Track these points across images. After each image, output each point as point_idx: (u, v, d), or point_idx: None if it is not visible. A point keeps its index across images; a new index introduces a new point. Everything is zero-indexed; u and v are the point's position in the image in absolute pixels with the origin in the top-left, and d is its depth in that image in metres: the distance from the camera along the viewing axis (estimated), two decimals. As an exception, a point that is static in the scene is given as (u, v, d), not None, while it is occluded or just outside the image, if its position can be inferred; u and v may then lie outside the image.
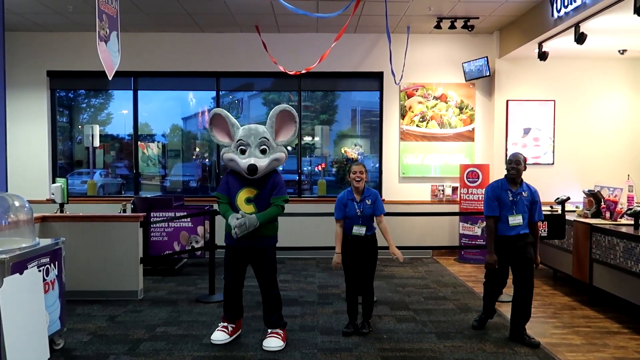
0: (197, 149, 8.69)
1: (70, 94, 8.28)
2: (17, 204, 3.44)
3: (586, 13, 5.13)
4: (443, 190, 7.51)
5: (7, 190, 4.21)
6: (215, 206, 5.07)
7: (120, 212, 6.27)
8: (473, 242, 7.04)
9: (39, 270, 3.37)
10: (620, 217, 5.08)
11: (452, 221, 7.47)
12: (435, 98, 7.51)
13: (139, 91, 7.74)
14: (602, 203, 5.29)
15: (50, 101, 7.66)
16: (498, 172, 7.15)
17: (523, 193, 3.95)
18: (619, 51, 6.73)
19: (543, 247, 5.61)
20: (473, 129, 7.52)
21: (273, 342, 3.78)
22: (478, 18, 6.71)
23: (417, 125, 7.52)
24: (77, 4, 6.19)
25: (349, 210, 4.03)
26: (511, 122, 7.30)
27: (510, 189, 3.95)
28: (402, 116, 7.53)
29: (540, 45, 6.35)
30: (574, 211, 5.87)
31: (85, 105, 8.52)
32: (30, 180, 7.41)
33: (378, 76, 7.57)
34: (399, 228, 6.73)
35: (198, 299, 5.12)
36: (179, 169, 8.60)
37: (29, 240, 3.42)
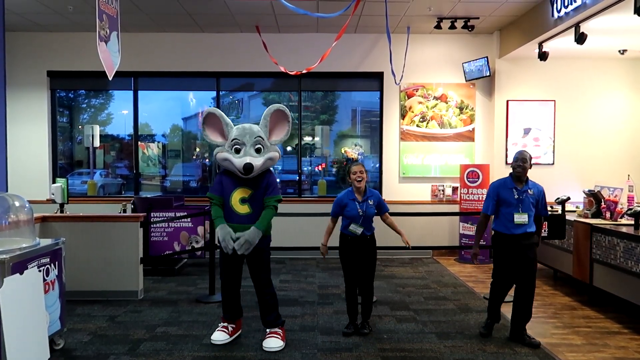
0: (197, 149, 8.69)
1: (70, 94, 8.28)
2: (17, 204, 3.44)
3: (586, 13, 5.13)
4: (443, 191, 7.51)
5: (7, 191, 4.21)
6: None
7: (120, 212, 6.27)
8: (473, 242, 7.03)
9: (39, 271, 3.37)
10: (621, 217, 5.07)
11: (452, 221, 7.47)
12: (436, 98, 7.51)
13: (139, 91, 7.75)
14: (603, 203, 5.29)
15: (50, 101, 7.66)
16: (498, 172, 7.15)
17: (529, 191, 3.91)
18: (619, 51, 6.73)
19: (543, 247, 5.60)
20: (473, 129, 7.52)
21: (273, 343, 3.78)
22: (478, 18, 6.71)
23: (417, 126, 7.52)
24: (77, 4, 6.19)
25: (350, 210, 4.01)
26: (511, 122, 7.30)
27: (516, 187, 3.92)
28: (402, 116, 7.53)
29: (540, 45, 6.35)
30: (574, 211, 5.87)
31: (85, 105, 8.52)
32: (30, 180, 7.41)
33: (378, 76, 7.57)
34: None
35: (198, 299, 5.12)
36: (179, 169, 8.60)
37: (29, 241, 3.42)
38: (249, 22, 6.94)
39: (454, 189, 7.46)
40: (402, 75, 7.17)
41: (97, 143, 7.92)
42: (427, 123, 7.51)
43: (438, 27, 6.87)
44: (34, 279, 3.27)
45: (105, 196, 8.01)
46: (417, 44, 7.41)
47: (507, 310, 4.67)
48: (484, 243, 7.08)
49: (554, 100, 7.29)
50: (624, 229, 4.55)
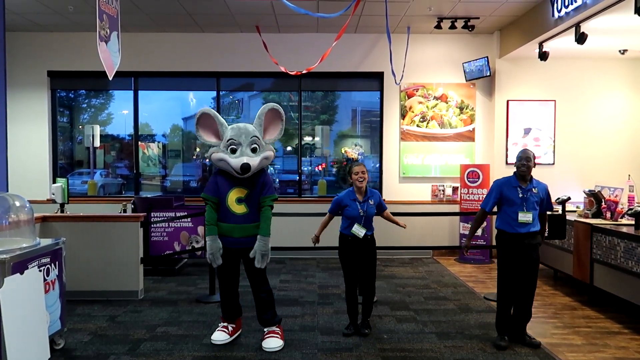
0: (198, 149, 8.68)
1: (70, 94, 8.28)
2: (17, 204, 3.44)
3: (587, 13, 5.12)
4: (443, 190, 7.50)
5: (7, 190, 4.21)
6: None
7: (120, 212, 6.27)
8: (473, 242, 7.02)
9: (40, 270, 3.37)
10: (621, 217, 5.07)
11: (453, 221, 7.47)
12: (436, 98, 7.51)
13: (139, 91, 7.75)
14: (603, 203, 5.28)
15: (50, 101, 7.67)
16: (498, 172, 7.14)
17: (533, 190, 3.88)
18: (620, 51, 6.73)
19: (544, 247, 5.59)
20: (473, 129, 7.52)
21: (273, 343, 3.78)
22: (478, 18, 6.70)
23: (418, 126, 7.52)
24: (77, 4, 6.19)
25: (351, 210, 4.00)
26: (511, 122, 7.29)
27: (520, 185, 3.88)
28: (403, 116, 7.53)
29: (540, 45, 6.35)
30: (575, 211, 5.87)
31: (85, 105, 8.52)
32: (30, 180, 7.41)
33: (378, 76, 7.57)
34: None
35: (198, 299, 5.12)
36: (179, 169, 8.60)
37: (30, 240, 3.42)
38: (249, 22, 6.94)
39: (454, 189, 7.46)
40: (402, 75, 7.17)
41: (97, 143, 7.92)
42: (428, 123, 7.51)
43: (438, 27, 6.87)
44: (34, 279, 3.27)
45: (105, 196, 8.02)
46: (417, 44, 7.41)
47: (507, 310, 4.68)
48: (484, 243, 7.10)
49: (554, 100, 7.29)
50: (624, 229, 4.55)
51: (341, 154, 8.31)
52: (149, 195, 7.59)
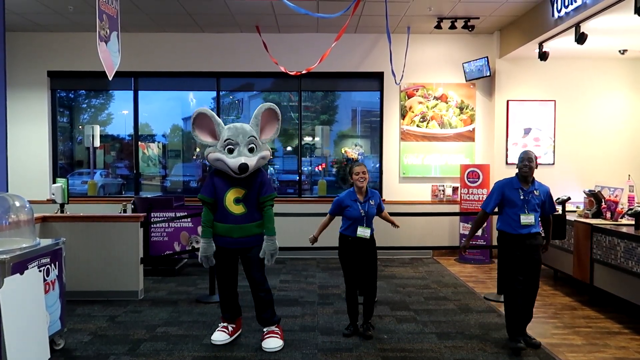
0: (198, 149, 8.68)
1: (70, 94, 8.28)
2: (17, 204, 3.44)
3: (587, 13, 5.12)
4: (443, 191, 7.50)
5: (7, 191, 4.21)
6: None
7: (120, 213, 6.27)
8: (474, 242, 7.03)
9: (40, 271, 3.37)
10: (621, 217, 5.07)
11: (453, 221, 7.47)
12: (436, 98, 7.51)
13: (139, 91, 7.75)
14: (603, 203, 5.28)
15: (50, 101, 7.67)
16: (498, 172, 7.15)
17: (535, 192, 3.87)
18: (620, 51, 6.73)
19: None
20: (473, 129, 7.52)
21: (273, 343, 3.78)
22: (478, 18, 6.70)
23: (418, 126, 7.52)
24: (77, 4, 6.19)
25: (352, 211, 3.99)
26: (511, 122, 7.29)
27: (522, 187, 3.87)
28: (403, 116, 7.53)
29: (540, 45, 6.35)
30: (575, 211, 5.87)
31: (85, 105, 8.52)
32: (30, 180, 7.41)
33: (378, 76, 7.57)
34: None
35: (198, 299, 5.12)
36: (179, 169, 8.60)
37: (30, 241, 3.41)
38: (249, 22, 6.94)
39: (454, 189, 7.46)
40: (402, 75, 7.17)
41: (97, 143, 7.92)
42: (428, 123, 7.51)
43: (438, 27, 6.87)
44: (34, 279, 3.27)
45: (105, 196, 8.01)
46: (417, 44, 7.41)
47: (507, 310, 4.68)
48: (484, 243, 7.10)
49: (554, 100, 7.29)
50: (624, 229, 4.55)
51: (341, 154, 8.31)
52: (149, 196, 7.59)
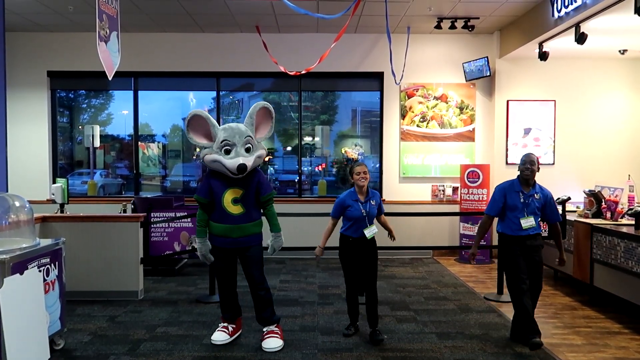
0: (198, 150, 8.68)
1: (70, 94, 8.28)
2: (17, 204, 3.43)
3: (587, 13, 5.12)
4: (443, 191, 7.50)
5: (7, 191, 4.21)
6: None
7: (120, 213, 6.27)
8: (473, 242, 7.03)
9: (40, 271, 3.37)
10: (621, 217, 5.07)
11: (453, 221, 7.47)
12: (436, 98, 7.51)
13: (139, 91, 7.75)
14: (603, 203, 5.28)
15: (50, 101, 7.66)
16: (498, 172, 7.15)
17: (535, 195, 3.87)
18: (620, 51, 6.73)
19: (544, 248, 5.59)
20: (473, 129, 7.52)
21: (273, 343, 3.78)
22: (478, 18, 6.70)
23: (418, 126, 7.52)
24: (77, 4, 6.19)
25: (353, 211, 3.96)
26: (512, 122, 7.29)
27: (523, 190, 3.87)
28: (403, 116, 7.53)
29: (540, 45, 6.35)
30: (575, 211, 5.87)
31: (85, 105, 8.52)
32: (30, 180, 7.41)
33: (378, 76, 7.57)
34: (399, 228, 6.68)
35: (198, 299, 5.12)
36: (179, 169, 8.60)
37: (30, 241, 3.41)
38: (249, 22, 6.94)
39: (454, 189, 7.46)
40: (402, 75, 7.17)
41: (97, 143, 7.92)
42: (428, 123, 7.51)
43: (438, 27, 6.87)
44: (34, 279, 3.27)
45: (105, 196, 8.01)
46: (417, 44, 7.41)
47: (506, 310, 4.68)
48: (484, 243, 7.10)
49: (554, 100, 7.29)
50: (624, 229, 4.55)
51: (341, 154, 8.30)
52: (149, 196, 7.59)
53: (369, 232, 3.96)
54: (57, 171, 7.77)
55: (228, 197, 3.73)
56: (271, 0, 5.92)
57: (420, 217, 7.21)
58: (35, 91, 7.53)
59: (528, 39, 6.36)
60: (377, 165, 7.82)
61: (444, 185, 7.51)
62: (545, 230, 4.87)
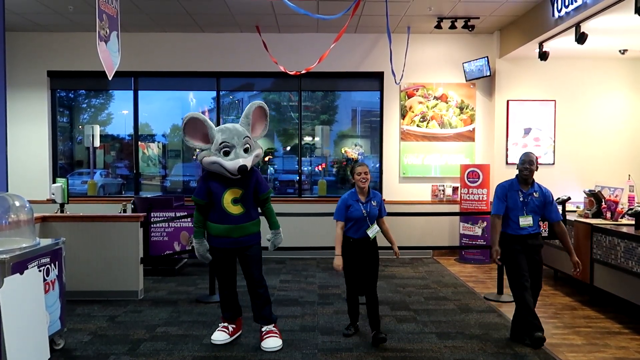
0: (197, 150, 8.69)
1: (70, 94, 8.28)
2: (17, 204, 3.43)
3: (587, 13, 5.12)
4: (443, 190, 7.50)
5: (7, 190, 4.21)
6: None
7: (120, 212, 6.27)
8: (473, 242, 7.04)
9: (40, 271, 3.37)
10: (621, 217, 5.07)
11: (453, 221, 7.46)
12: (436, 98, 7.51)
13: (139, 91, 7.75)
14: (603, 203, 5.28)
15: (50, 101, 7.66)
16: (498, 172, 7.15)
17: (534, 194, 3.88)
18: (620, 51, 6.73)
19: (544, 248, 5.59)
20: (473, 129, 7.52)
21: (272, 342, 3.78)
22: (478, 18, 6.70)
23: (418, 125, 7.52)
24: (77, 4, 6.19)
25: (354, 211, 3.93)
26: (512, 122, 7.29)
27: (522, 189, 3.89)
28: (403, 116, 7.53)
29: (540, 45, 6.34)
30: (575, 211, 5.87)
31: (85, 105, 8.52)
32: (30, 180, 7.41)
33: (378, 76, 7.57)
34: (399, 228, 6.71)
35: (198, 299, 5.12)
36: (179, 169, 8.60)
37: (30, 240, 3.41)
38: (249, 22, 6.94)
39: (454, 189, 7.46)
40: (402, 75, 7.17)
41: (97, 143, 7.92)
42: (428, 123, 7.51)
43: (438, 27, 6.87)
44: (34, 279, 3.27)
45: (105, 196, 8.01)
46: (417, 43, 7.41)
47: (506, 310, 4.68)
48: (484, 243, 7.09)
49: (554, 100, 7.29)
50: (624, 229, 4.55)
51: (341, 154, 8.30)
52: (148, 195, 7.59)
53: (371, 232, 3.96)
54: (57, 171, 7.78)
55: (228, 197, 3.74)
56: (271, 0, 5.92)
57: (420, 217, 7.21)
58: (35, 91, 7.53)
59: (528, 39, 6.36)
60: (377, 165, 7.82)
61: (444, 185, 7.51)
62: (545, 230, 4.87)
